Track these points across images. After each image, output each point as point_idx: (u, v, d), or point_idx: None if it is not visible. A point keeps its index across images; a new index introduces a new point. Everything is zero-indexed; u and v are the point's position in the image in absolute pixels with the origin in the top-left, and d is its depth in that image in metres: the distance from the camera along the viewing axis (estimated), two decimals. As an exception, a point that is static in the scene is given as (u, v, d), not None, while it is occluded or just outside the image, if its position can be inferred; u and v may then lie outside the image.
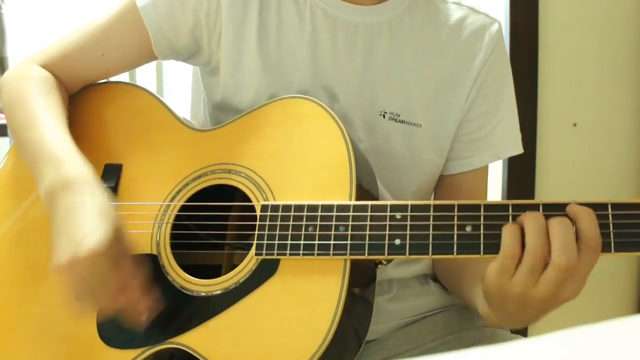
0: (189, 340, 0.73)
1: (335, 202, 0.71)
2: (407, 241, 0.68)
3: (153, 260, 0.78)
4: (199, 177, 0.81)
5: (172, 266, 0.77)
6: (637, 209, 0.63)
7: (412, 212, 0.69)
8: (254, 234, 0.74)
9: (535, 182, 1.75)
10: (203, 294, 0.74)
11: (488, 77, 0.91)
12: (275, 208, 0.74)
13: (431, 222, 0.68)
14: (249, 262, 0.73)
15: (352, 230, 0.70)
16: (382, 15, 0.88)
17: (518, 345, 0.34)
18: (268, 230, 0.73)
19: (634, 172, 1.79)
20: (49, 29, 1.92)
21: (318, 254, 0.70)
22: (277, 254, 0.72)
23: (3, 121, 1.73)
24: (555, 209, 0.65)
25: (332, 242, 0.70)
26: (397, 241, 0.69)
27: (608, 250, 0.63)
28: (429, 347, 0.90)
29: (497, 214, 0.66)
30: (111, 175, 0.84)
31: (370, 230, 0.69)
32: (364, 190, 0.75)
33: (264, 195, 0.76)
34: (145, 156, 0.85)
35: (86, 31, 0.90)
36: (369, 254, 0.69)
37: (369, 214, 0.70)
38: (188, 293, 0.75)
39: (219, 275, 0.75)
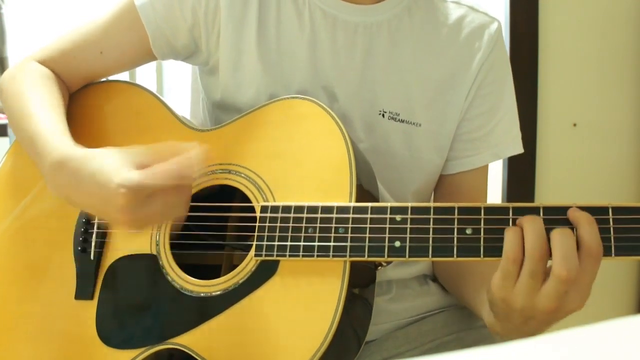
0: (188, 340, 0.73)
1: (335, 204, 0.71)
2: (407, 243, 0.68)
3: (152, 261, 0.78)
4: (199, 177, 0.81)
5: (171, 267, 0.77)
6: (638, 212, 0.63)
7: (412, 215, 0.69)
8: (254, 235, 0.74)
9: (535, 182, 1.75)
10: (202, 294, 0.74)
11: (488, 76, 0.91)
12: (275, 209, 0.74)
13: (431, 224, 0.68)
14: (249, 263, 0.73)
15: (351, 232, 0.70)
16: (381, 15, 0.88)
17: (518, 345, 0.34)
18: (268, 232, 0.73)
19: (634, 172, 1.79)
20: (49, 29, 1.92)
21: (318, 256, 0.70)
22: (277, 255, 0.72)
23: (3, 121, 1.73)
24: (555, 213, 0.65)
25: (331, 243, 0.70)
26: (397, 243, 0.68)
27: (609, 254, 0.63)
28: (428, 347, 0.90)
29: (497, 217, 0.66)
30: None
31: (370, 232, 0.69)
32: (364, 191, 0.75)
33: (263, 196, 0.76)
34: None
35: (85, 29, 0.90)
36: (368, 256, 0.69)
37: (368, 216, 0.70)
38: (187, 293, 0.75)
39: (218, 276, 0.75)
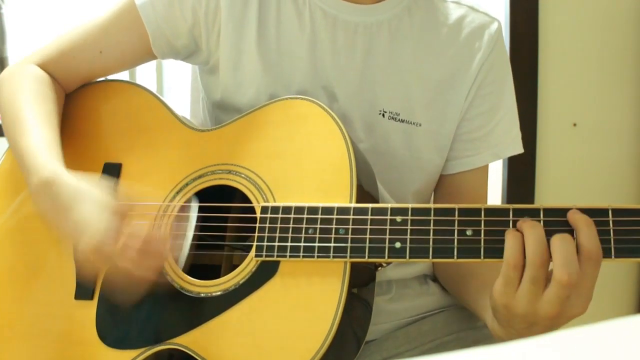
0: (188, 341, 0.73)
1: (336, 205, 0.71)
2: (408, 244, 0.68)
3: (153, 261, 0.78)
4: (199, 177, 0.81)
5: (171, 267, 0.77)
6: (638, 214, 0.63)
7: (413, 216, 0.69)
8: (254, 235, 0.74)
9: (535, 182, 1.75)
10: (203, 295, 0.74)
11: (488, 76, 0.91)
12: (275, 209, 0.74)
13: (432, 226, 0.68)
14: (249, 264, 0.73)
15: (352, 234, 0.70)
16: (381, 15, 0.88)
17: (518, 345, 0.34)
18: (268, 232, 0.73)
19: (634, 172, 1.79)
20: (49, 29, 1.92)
21: (318, 256, 0.70)
22: (277, 256, 0.72)
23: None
24: (555, 214, 0.65)
25: (332, 244, 0.70)
26: (398, 244, 0.68)
27: (608, 256, 0.63)
28: (428, 347, 0.90)
29: (497, 219, 0.66)
30: (111, 175, 0.84)
31: (370, 233, 0.69)
32: (364, 191, 0.75)
33: (264, 196, 0.76)
34: (145, 155, 0.85)
35: (85, 29, 0.90)
36: (369, 257, 0.69)
37: (369, 217, 0.70)
38: (187, 294, 0.75)
39: (218, 276, 0.75)
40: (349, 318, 0.69)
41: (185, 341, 0.73)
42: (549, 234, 0.63)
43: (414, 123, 0.88)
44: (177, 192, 0.81)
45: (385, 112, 0.88)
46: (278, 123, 0.80)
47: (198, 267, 0.80)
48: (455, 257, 0.67)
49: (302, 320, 0.69)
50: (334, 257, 0.70)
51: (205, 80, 0.95)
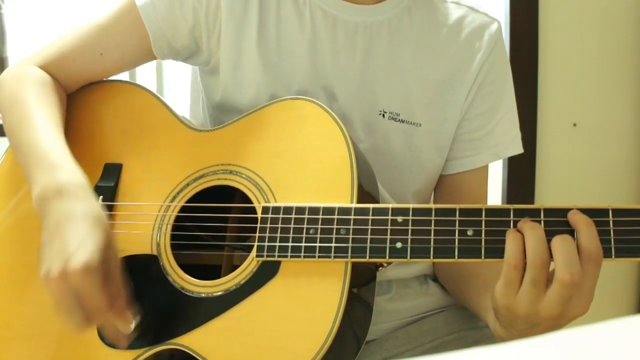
0: (189, 341, 0.73)
1: (337, 205, 0.72)
2: (409, 245, 0.68)
3: (153, 261, 0.78)
4: (200, 177, 0.81)
5: (172, 267, 0.77)
6: (638, 214, 0.64)
7: (414, 216, 0.69)
8: (255, 236, 0.74)
9: (535, 182, 1.75)
10: (203, 295, 0.74)
11: (487, 76, 0.91)
12: (276, 210, 0.74)
13: (432, 226, 0.68)
14: (250, 264, 0.73)
15: (353, 234, 0.70)
16: (381, 15, 0.88)
17: (518, 345, 0.34)
18: (269, 232, 0.73)
19: (634, 172, 1.79)
20: (49, 29, 1.92)
21: (319, 257, 0.70)
22: (278, 256, 0.72)
23: (3, 121, 1.73)
24: (556, 214, 0.65)
25: (333, 244, 0.70)
26: (399, 244, 0.69)
27: (609, 256, 0.63)
28: (428, 347, 0.90)
29: (498, 219, 0.67)
30: (111, 175, 0.84)
31: (371, 233, 0.69)
32: (365, 192, 0.75)
33: (264, 196, 0.76)
34: (145, 156, 0.85)
35: (85, 30, 0.90)
36: (370, 257, 0.69)
37: (370, 217, 0.70)
38: (188, 294, 0.75)
39: (219, 277, 0.75)
40: (349, 318, 0.69)
41: (186, 341, 0.73)
42: (549, 234, 0.63)
43: (413, 123, 0.88)
44: (178, 193, 0.81)
45: (385, 112, 0.88)
46: (279, 123, 0.80)
47: (199, 267, 0.80)
48: (456, 257, 0.67)
49: (302, 320, 0.69)
50: (335, 257, 0.70)
51: (205, 81, 0.95)
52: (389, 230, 0.69)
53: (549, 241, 0.63)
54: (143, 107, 0.89)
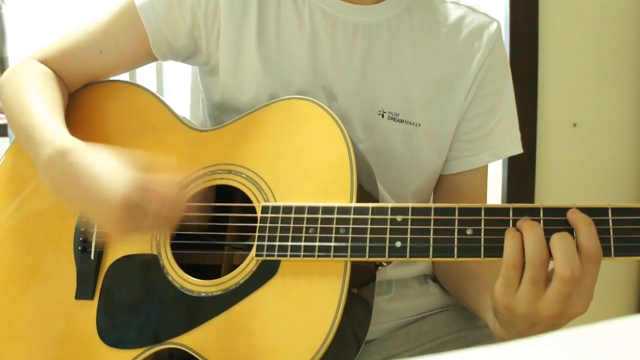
0: (188, 340, 0.73)
1: (336, 204, 0.72)
2: (408, 244, 0.68)
3: (153, 261, 0.78)
4: (200, 177, 0.81)
5: (172, 266, 0.77)
6: (637, 213, 0.64)
7: (413, 215, 0.69)
8: (254, 235, 0.74)
9: (535, 182, 1.75)
10: (203, 294, 0.74)
11: (487, 76, 0.91)
12: (275, 209, 0.74)
13: (432, 225, 0.68)
14: (249, 263, 0.73)
15: (352, 233, 0.70)
16: (380, 15, 0.88)
17: (518, 345, 0.34)
18: (269, 232, 0.73)
19: (634, 172, 1.79)
20: (49, 29, 1.92)
21: (319, 256, 0.70)
22: (278, 255, 0.72)
23: (3, 121, 1.73)
24: (555, 214, 0.65)
25: (332, 244, 0.70)
26: (398, 244, 0.69)
27: (608, 255, 0.63)
28: (428, 347, 0.90)
29: (497, 218, 0.67)
30: None
31: (371, 232, 0.70)
32: (365, 191, 0.75)
33: (264, 196, 0.76)
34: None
35: (85, 30, 0.90)
36: (369, 257, 0.69)
37: (369, 216, 0.70)
38: (188, 293, 0.75)
39: (218, 276, 0.75)
40: (349, 317, 0.69)
41: (185, 341, 0.73)
42: (548, 233, 0.63)
43: (413, 123, 0.88)
44: (178, 192, 0.81)
45: (385, 112, 0.88)
46: (278, 123, 0.80)
47: (198, 267, 0.80)
48: (455, 256, 0.67)
49: (302, 319, 0.69)
50: (334, 256, 0.70)
51: (205, 81, 0.95)
52: (388, 230, 0.69)
53: (548, 240, 0.63)
54: (143, 107, 0.89)
